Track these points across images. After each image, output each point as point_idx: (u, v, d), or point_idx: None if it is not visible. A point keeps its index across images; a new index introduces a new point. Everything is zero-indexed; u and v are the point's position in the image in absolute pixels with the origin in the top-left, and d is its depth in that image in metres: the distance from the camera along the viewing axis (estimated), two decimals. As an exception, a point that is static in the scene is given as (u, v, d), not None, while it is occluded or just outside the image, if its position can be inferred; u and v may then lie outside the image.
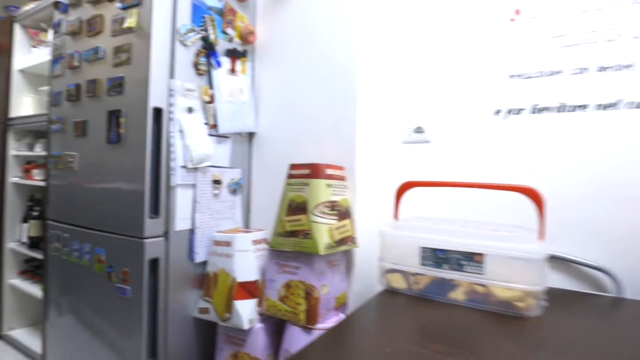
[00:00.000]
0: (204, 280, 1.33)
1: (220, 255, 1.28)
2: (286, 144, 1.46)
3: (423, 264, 1.00)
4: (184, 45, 1.29)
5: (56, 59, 1.56)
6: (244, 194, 1.54)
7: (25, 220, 2.14)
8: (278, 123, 1.49)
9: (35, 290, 2.00)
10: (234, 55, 1.46)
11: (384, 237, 1.09)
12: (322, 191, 1.12)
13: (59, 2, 1.55)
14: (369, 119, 1.35)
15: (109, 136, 1.30)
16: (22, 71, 2.18)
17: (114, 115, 1.28)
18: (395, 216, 1.16)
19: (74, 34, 1.47)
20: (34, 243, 2.06)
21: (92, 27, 1.39)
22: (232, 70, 1.45)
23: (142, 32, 1.23)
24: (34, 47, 2.20)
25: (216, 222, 1.40)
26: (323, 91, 1.36)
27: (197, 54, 1.33)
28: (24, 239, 2.12)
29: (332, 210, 1.13)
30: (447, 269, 0.96)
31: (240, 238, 1.26)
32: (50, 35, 2.00)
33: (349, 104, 1.29)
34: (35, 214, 2.10)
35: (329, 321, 1.14)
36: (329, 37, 1.36)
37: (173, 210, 1.26)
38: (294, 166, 1.19)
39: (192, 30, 1.31)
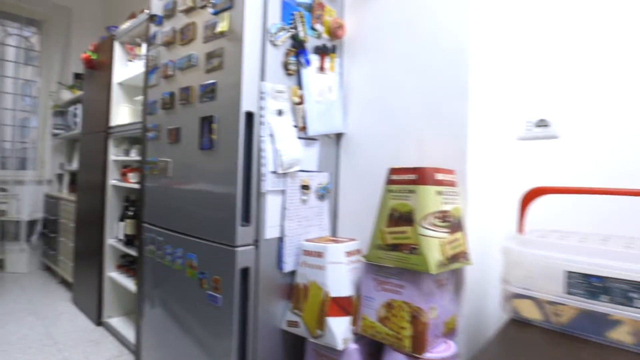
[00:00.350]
0: (293, 291, 1.24)
1: (311, 266, 1.18)
2: (379, 144, 1.31)
3: (569, 293, 0.79)
4: (274, 45, 1.21)
5: (152, 70, 1.59)
6: (332, 199, 1.43)
7: (121, 219, 2.26)
8: (369, 122, 1.35)
9: (129, 283, 2.10)
10: (323, 52, 1.35)
11: (509, 254, 0.90)
12: (431, 199, 0.95)
13: (154, 15, 1.58)
14: (482, 112, 1.14)
15: (202, 142, 1.26)
16: (120, 84, 2.31)
17: (206, 121, 1.24)
18: (520, 229, 0.96)
19: (168, 44, 1.47)
20: (129, 240, 2.16)
21: (185, 35, 1.38)
22: (321, 68, 1.35)
23: (234, 35, 1.18)
24: (130, 61, 2.32)
25: (304, 230, 1.30)
26: (425, 83, 1.19)
27: (287, 54, 1.25)
28: (121, 236, 2.24)
29: (444, 221, 0.96)
30: (607, 302, 0.74)
31: (332, 249, 1.15)
32: (143, 49, 2.09)
33: (459, 95, 1.10)
34: (130, 213, 2.20)
35: (437, 350, 0.97)
36: (434, 21, 1.18)
37: (263, 218, 1.19)
38: (395, 170, 1.04)
39: (282, 29, 1.22)
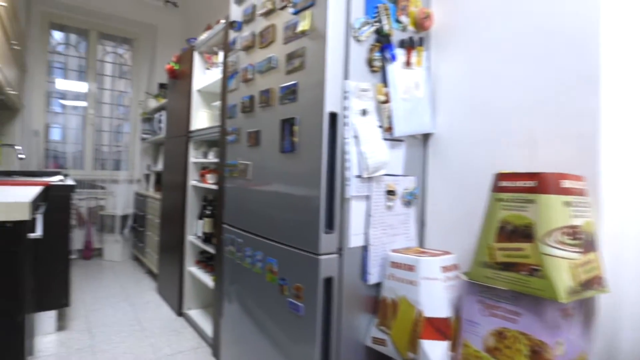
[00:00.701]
0: (379, 305, 1.10)
1: (400, 280, 1.03)
2: (474, 145, 1.12)
3: None
4: (358, 41, 1.08)
5: (231, 75, 1.55)
6: (418, 206, 1.26)
7: (200, 218, 2.30)
8: (462, 120, 1.16)
9: (206, 279, 2.12)
10: (409, 45, 1.19)
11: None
12: (557, 211, 0.76)
13: (234, 22, 1.54)
14: (617, 105, 0.89)
15: (282, 145, 1.17)
16: (199, 91, 2.35)
17: (287, 124, 1.15)
18: (682, 253, 0.72)
19: (248, 48, 1.42)
20: (207, 238, 2.18)
21: (265, 38, 1.30)
22: (407, 63, 1.19)
23: (316, 33, 1.07)
24: (208, 69, 2.35)
25: (389, 239, 1.15)
26: (537, 74, 0.97)
27: (371, 49, 1.11)
28: (199, 234, 2.28)
29: (574, 238, 0.76)
30: None
31: (426, 263, 0.99)
32: (220, 57, 2.09)
33: (587, 86, 0.87)
34: (208, 212, 2.22)
35: (563, 391, 0.77)
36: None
37: (347, 225, 1.07)
38: (505, 176, 0.86)
39: (366, 23, 1.09)
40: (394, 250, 1.11)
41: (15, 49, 2.47)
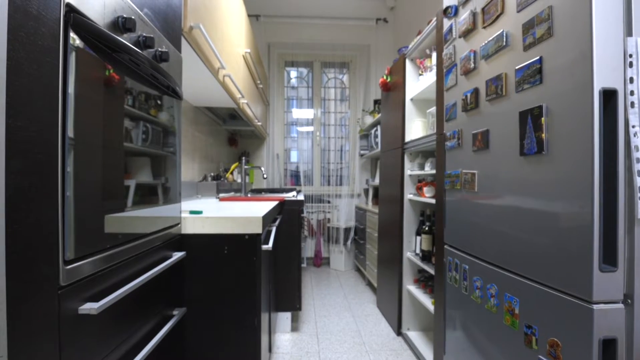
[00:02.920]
0: None
1: None
2: None
3: None
4: (651, -27, 0.74)
5: (448, 70, 1.43)
6: None
7: (417, 234, 2.25)
8: None
9: (426, 300, 2.03)
10: None
11: None
12: None
13: (447, 8, 1.42)
14: None
15: (524, 145, 0.94)
16: (412, 99, 2.34)
17: (529, 116, 0.92)
18: None
19: (467, 32, 1.26)
20: (425, 256, 2.10)
21: (489, 14, 1.12)
22: None
23: (570, -18, 0.80)
24: (420, 74, 2.31)
25: None
26: None
27: (679, -19, 0.74)
28: (417, 251, 2.22)
29: None
30: None
31: None
32: (433, 59, 2.01)
33: None
34: (425, 228, 2.14)
35: None
36: None
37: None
38: None
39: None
40: None
41: (259, 87, 3.25)
